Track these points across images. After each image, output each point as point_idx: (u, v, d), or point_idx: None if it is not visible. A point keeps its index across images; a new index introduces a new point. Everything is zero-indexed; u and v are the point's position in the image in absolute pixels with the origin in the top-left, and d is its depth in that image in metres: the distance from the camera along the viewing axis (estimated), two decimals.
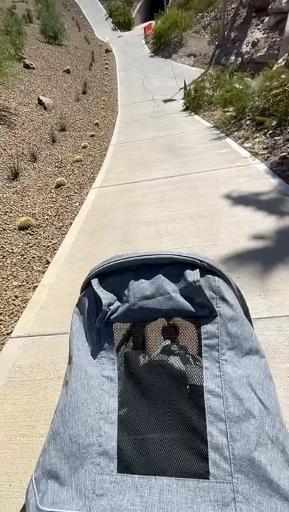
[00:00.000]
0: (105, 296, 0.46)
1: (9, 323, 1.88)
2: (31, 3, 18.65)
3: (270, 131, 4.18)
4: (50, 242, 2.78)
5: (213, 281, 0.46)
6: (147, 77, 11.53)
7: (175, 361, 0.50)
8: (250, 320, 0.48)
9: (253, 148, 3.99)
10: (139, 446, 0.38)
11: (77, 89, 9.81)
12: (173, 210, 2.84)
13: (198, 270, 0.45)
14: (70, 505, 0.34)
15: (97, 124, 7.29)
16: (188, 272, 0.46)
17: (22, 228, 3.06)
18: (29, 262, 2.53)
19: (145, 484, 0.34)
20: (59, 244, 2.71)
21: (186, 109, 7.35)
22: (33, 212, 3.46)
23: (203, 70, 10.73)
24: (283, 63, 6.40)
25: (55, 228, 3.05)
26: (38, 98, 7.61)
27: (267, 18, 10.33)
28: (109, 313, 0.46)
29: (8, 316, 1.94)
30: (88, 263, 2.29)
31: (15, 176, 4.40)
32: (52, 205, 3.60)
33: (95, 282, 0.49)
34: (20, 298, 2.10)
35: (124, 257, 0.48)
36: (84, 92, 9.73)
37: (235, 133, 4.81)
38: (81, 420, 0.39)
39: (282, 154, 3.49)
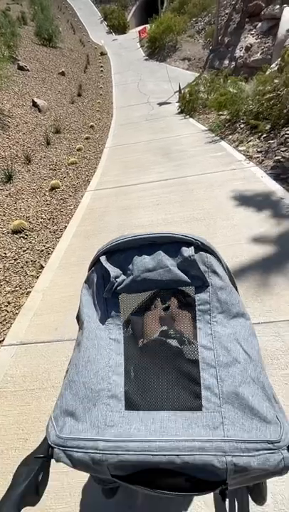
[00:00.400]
0: (113, 270, 0.53)
1: (1, 330, 1.82)
2: (26, 6, 18.61)
3: (264, 135, 4.22)
4: (44, 246, 2.74)
5: (206, 258, 0.54)
6: (142, 80, 11.58)
7: (172, 338, 0.58)
8: (237, 291, 0.57)
9: (248, 152, 4.02)
10: (142, 390, 0.46)
11: (72, 91, 9.79)
12: (168, 213, 2.83)
13: (192, 247, 0.53)
14: (85, 434, 0.41)
15: (92, 126, 7.27)
16: (184, 248, 0.53)
17: (15, 232, 3.01)
18: (22, 267, 2.48)
19: (148, 417, 0.42)
20: (53, 248, 2.67)
21: (180, 112, 7.39)
22: (27, 215, 3.41)
23: (197, 74, 10.83)
24: (276, 68, 6.50)
25: (50, 232, 3.00)
26: (33, 100, 7.56)
27: (260, 24, 10.52)
28: (116, 284, 0.53)
29: (0, 323, 1.89)
30: (83, 268, 2.25)
31: (8, 178, 4.34)
32: (46, 208, 3.56)
33: (103, 259, 0.55)
34: (12, 304, 2.05)
35: (128, 236, 0.55)
36: (79, 95, 9.71)
37: (230, 136, 4.85)
38: (93, 371, 0.46)
39: (277, 158, 3.52)
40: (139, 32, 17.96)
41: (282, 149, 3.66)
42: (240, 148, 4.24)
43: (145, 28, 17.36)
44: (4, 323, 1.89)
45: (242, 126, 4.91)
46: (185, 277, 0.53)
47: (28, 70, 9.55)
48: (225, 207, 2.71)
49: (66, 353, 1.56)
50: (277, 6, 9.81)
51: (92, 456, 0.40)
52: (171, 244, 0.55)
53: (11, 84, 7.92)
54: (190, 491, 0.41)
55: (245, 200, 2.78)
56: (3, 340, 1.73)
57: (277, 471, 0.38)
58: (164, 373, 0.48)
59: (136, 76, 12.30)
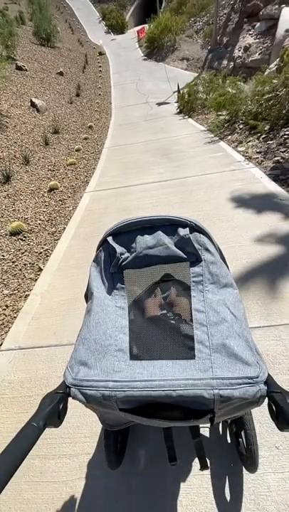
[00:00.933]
0: (118, 248, 0.62)
1: None
2: (24, 5, 18.55)
3: (264, 136, 4.21)
4: (42, 248, 2.71)
5: (199, 237, 0.62)
6: (141, 80, 11.55)
7: (171, 320, 0.65)
8: (227, 266, 0.65)
9: (247, 152, 4.00)
10: (144, 346, 0.53)
11: (70, 91, 9.75)
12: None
13: (188, 228, 0.62)
14: (97, 377, 0.50)
15: (90, 126, 7.24)
16: (180, 229, 0.62)
17: (14, 234, 2.98)
18: (21, 269, 2.46)
19: (150, 364, 0.50)
20: (52, 251, 2.64)
21: (179, 113, 7.38)
22: (25, 216, 3.38)
23: (196, 74, 10.82)
24: (275, 68, 6.50)
25: (48, 233, 2.98)
26: (31, 100, 7.52)
27: (258, 24, 10.51)
28: (121, 260, 0.62)
29: None
30: (82, 270, 2.23)
31: (7, 179, 4.31)
32: (45, 210, 3.53)
33: (110, 239, 0.65)
34: (11, 307, 2.02)
35: (131, 219, 0.64)
36: (77, 95, 9.68)
37: (229, 136, 4.83)
38: (102, 330, 0.55)
39: (276, 158, 3.51)
40: (138, 32, 17.93)
41: (281, 150, 3.65)
42: (239, 149, 4.22)
43: (144, 27, 17.34)
44: (2, 327, 1.86)
45: (241, 126, 4.90)
46: (181, 253, 0.61)
47: (26, 70, 9.50)
48: (225, 208, 2.69)
49: (65, 358, 1.53)
50: (276, 7, 9.81)
51: (103, 393, 0.48)
52: (169, 226, 0.64)
53: (9, 85, 7.88)
54: (184, 420, 0.49)
55: (245, 201, 2.76)
56: (0, 345, 1.71)
57: (255, 401, 0.46)
58: (163, 333, 0.56)
59: (134, 76, 12.28)
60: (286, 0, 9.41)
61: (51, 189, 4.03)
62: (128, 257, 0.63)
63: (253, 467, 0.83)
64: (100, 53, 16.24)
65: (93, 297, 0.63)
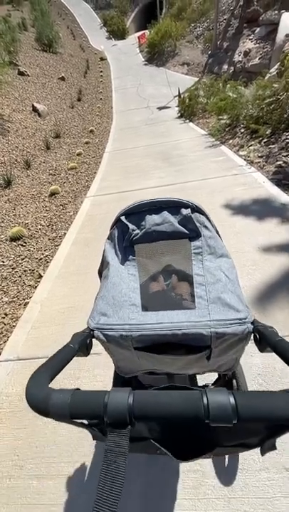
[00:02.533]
0: (131, 225, 0.73)
1: None
2: (26, 12, 18.81)
3: (265, 140, 4.20)
4: (42, 254, 2.68)
5: (199, 217, 0.73)
6: (142, 85, 11.64)
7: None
8: (221, 240, 0.77)
9: (249, 157, 3.98)
10: (153, 302, 0.64)
11: (72, 96, 9.82)
12: None
13: (189, 209, 0.72)
14: (115, 322, 0.60)
15: (92, 131, 7.27)
16: (183, 210, 0.72)
17: (14, 239, 2.95)
18: (20, 276, 2.42)
19: (158, 313, 0.60)
20: (52, 257, 2.61)
21: (180, 117, 7.40)
22: (26, 222, 3.36)
23: (196, 79, 10.89)
24: (275, 73, 6.51)
25: (48, 239, 2.95)
26: (33, 105, 7.57)
27: (258, 29, 10.60)
28: (132, 235, 0.72)
29: None
30: (82, 277, 2.20)
31: (8, 183, 4.30)
32: (45, 215, 3.51)
33: (123, 218, 0.74)
34: (10, 316, 1.99)
35: (141, 201, 0.75)
36: (79, 99, 9.74)
37: (230, 141, 4.83)
38: (118, 290, 0.65)
39: (278, 163, 3.48)
40: (139, 37, 18.13)
41: (283, 154, 3.63)
42: (240, 153, 4.21)
43: (144, 33, 17.54)
44: (1, 336, 1.82)
45: (242, 130, 4.89)
46: (184, 229, 0.72)
47: (28, 75, 9.59)
48: (227, 214, 2.66)
49: (65, 370, 1.48)
50: (275, 12, 9.89)
51: (121, 333, 0.58)
52: (174, 207, 0.74)
53: (11, 90, 7.94)
54: (186, 354, 0.59)
55: (248, 206, 2.73)
56: None
57: (244, 337, 0.57)
58: (168, 293, 0.69)
59: (135, 81, 12.37)
60: (286, 5, 9.49)
61: (52, 194, 4.02)
62: (138, 233, 0.74)
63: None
64: (102, 58, 16.41)
65: (109, 266, 0.74)
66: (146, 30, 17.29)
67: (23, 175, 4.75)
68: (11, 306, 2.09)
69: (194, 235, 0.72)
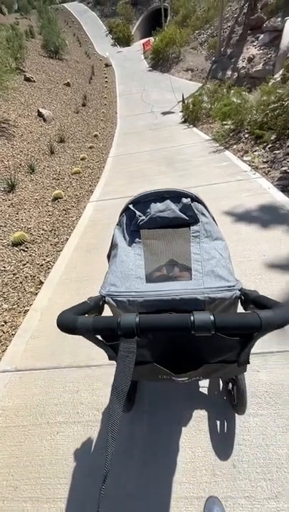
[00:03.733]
0: (138, 211, 0.83)
1: None
2: (34, 20, 19.24)
3: (270, 145, 4.15)
4: (44, 259, 2.65)
5: (198, 205, 0.84)
6: (146, 91, 11.73)
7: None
8: (217, 226, 0.87)
9: (253, 162, 3.94)
10: (156, 276, 0.75)
11: (77, 101, 9.93)
12: None
13: (189, 198, 0.84)
14: (123, 291, 0.71)
15: (96, 135, 7.31)
16: (184, 199, 0.83)
17: (16, 244, 2.93)
18: (21, 282, 2.39)
19: (160, 284, 0.71)
20: (53, 263, 2.58)
21: (184, 122, 7.41)
22: (28, 226, 3.35)
23: (200, 84, 10.94)
24: (279, 78, 6.50)
25: (51, 244, 2.92)
26: (38, 110, 7.66)
27: (262, 36, 10.65)
28: (139, 220, 0.82)
29: None
30: (83, 284, 2.16)
31: (11, 188, 4.31)
32: (48, 219, 3.49)
33: (131, 206, 0.85)
34: (9, 324, 1.95)
35: (147, 192, 0.86)
36: (84, 105, 9.84)
37: (234, 146, 4.79)
38: (125, 266, 0.75)
39: (283, 168, 3.43)
40: (143, 44, 18.36)
41: (288, 160, 3.58)
42: (245, 159, 4.17)
43: (149, 40, 17.76)
44: (0, 345, 1.78)
45: (246, 136, 4.86)
46: (184, 216, 0.83)
47: (34, 81, 9.73)
48: (232, 220, 2.61)
49: (63, 383, 1.44)
50: (279, 19, 9.94)
51: (128, 298, 0.67)
52: (176, 197, 0.86)
53: (17, 95, 8.05)
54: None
55: (253, 212, 2.68)
56: None
57: (232, 301, 0.67)
58: (170, 268, 0.78)
59: (140, 86, 12.48)
60: None
61: (55, 198, 4.01)
62: (144, 219, 0.84)
63: (241, 407, 1.05)
64: (106, 65, 16.63)
65: (118, 247, 0.83)
66: (151, 37, 17.52)
67: (27, 179, 4.76)
68: (10, 313, 2.05)
69: (193, 220, 0.84)
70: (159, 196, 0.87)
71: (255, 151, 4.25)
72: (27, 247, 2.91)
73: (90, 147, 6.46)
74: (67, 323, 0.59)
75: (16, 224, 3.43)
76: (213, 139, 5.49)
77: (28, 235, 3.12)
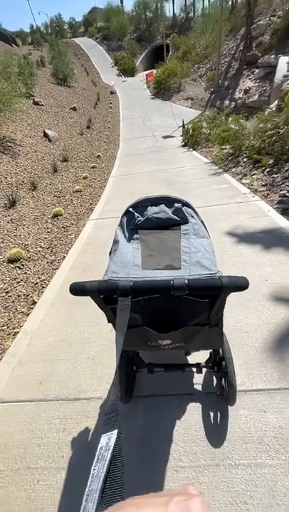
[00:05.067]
0: (136, 213, 0.98)
1: None
2: (45, 52, 20.78)
3: (268, 169, 4.26)
4: (39, 278, 2.57)
5: (188, 209, 1.00)
6: (148, 116, 12.35)
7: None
8: (205, 227, 1.03)
9: (252, 185, 4.01)
10: (151, 265, 0.87)
11: (82, 124, 10.40)
12: None
13: (180, 203, 1.00)
14: (123, 276, 0.82)
15: (99, 156, 7.54)
16: (176, 203, 0.99)
17: (11, 261, 2.87)
18: (14, 301, 2.29)
19: (154, 271, 0.84)
20: (48, 281, 2.49)
21: (184, 145, 7.69)
22: (26, 243, 3.30)
23: (199, 112, 11.56)
24: (274, 108, 6.87)
25: (47, 262, 2.86)
26: (44, 131, 7.97)
27: (257, 70, 11.45)
28: (137, 220, 0.96)
29: None
30: (77, 307, 2.06)
31: (12, 204, 4.33)
32: (46, 236, 3.46)
33: (131, 209, 1.00)
34: None
35: (144, 197, 1.01)
36: (88, 127, 10.29)
37: (233, 169, 4.92)
38: (125, 257, 0.89)
39: (282, 192, 3.47)
40: (146, 75, 19.69)
41: (287, 184, 3.64)
42: (244, 181, 4.24)
43: (152, 72, 19.07)
44: None
45: (245, 160, 5.00)
46: (176, 217, 0.96)
47: (42, 105, 10.26)
48: (232, 242, 2.58)
49: (49, 419, 1.30)
50: (273, 56, 10.76)
51: (129, 280, 0.76)
52: (169, 202, 1.00)
53: (25, 117, 8.43)
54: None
55: (253, 235, 2.65)
56: None
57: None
58: (162, 259, 0.87)
59: (142, 112, 13.16)
60: (282, 50, 10.33)
61: (55, 215, 4.01)
62: (142, 219, 0.97)
63: (232, 400, 1.13)
64: (111, 92, 17.69)
65: (119, 243, 0.94)
66: (154, 70, 18.82)
67: (29, 196, 4.81)
68: None
69: (183, 221, 0.98)
70: (155, 201, 1.02)
71: (254, 174, 4.34)
72: (23, 264, 2.84)
73: (93, 167, 6.63)
74: (79, 287, 0.76)
75: (14, 240, 3.39)
76: (212, 162, 5.65)
77: (25, 251, 3.06)
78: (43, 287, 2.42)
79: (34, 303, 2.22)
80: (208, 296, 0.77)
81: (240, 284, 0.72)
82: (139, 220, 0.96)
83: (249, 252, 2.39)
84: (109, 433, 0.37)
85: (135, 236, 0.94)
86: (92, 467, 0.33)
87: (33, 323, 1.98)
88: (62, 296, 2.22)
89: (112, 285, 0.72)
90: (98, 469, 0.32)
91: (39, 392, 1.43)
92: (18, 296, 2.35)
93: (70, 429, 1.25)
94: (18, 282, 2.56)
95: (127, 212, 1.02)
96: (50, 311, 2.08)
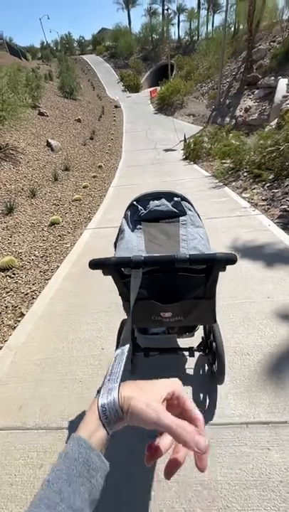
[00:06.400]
0: (140, 207, 1.14)
1: None
2: (54, 66, 21.56)
3: (268, 184, 4.25)
4: (29, 288, 2.45)
5: (186, 203, 1.16)
6: (150, 130, 12.63)
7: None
8: (200, 219, 1.18)
9: (252, 199, 3.98)
10: (154, 251, 0.99)
11: (85, 135, 10.58)
12: None
13: (179, 198, 1.16)
14: (125, 255, 0.94)
15: (100, 166, 7.59)
16: (175, 198, 1.16)
17: (3, 269, 2.76)
18: (0, 313, 2.16)
19: (155, 255, 0.89)
20: (39, 292, 2.37)
21: (185, 159, 7.78)
22: (20, 251, 3.20)
23: (201, 127, 11.84)
24: (274, 126, 7.01)
25: (40, 272, 2.75)
26: (47, 140, 8.07)
27: (257, 91, 11.85)
28: (140, 212, 1.12)
29: None
30: (68, 320, 1.93)
31: (9, 210, 4.27)
32: (41, 245, 3.36)
33: (135, 202, 1.16)
34: None
35: (147, 192, 1.18)
36: (91, 138, 10.46)
37: (233, 183, 4.92)
38: (130, 244, 1.01)
39: (283, 207, 3.43)
40: (150, 92, 20.35)
41: (288, 199, 3.61)
42: (244, 195, 4.22)
43: (156, 89, 19.73)
44: None
45: (245, 174, 5.02)
46: (175, 210, 1.13)
47: (47, 115, 10.47)
48: None
49: (26, 451, 1.15)
50: (272, 78, 11.17)
51: (141, 255, 0.86)
52: (169, 196, 1.16)
53: (29, 127, 8.56)
54: (177, 269, 0.87)
55: (254, 250, 2.57)
56: None
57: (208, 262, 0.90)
58: (163, 246, 1.03)
59: (145, 126, 13.48)
60: (282, 73, 10.74)
61: (52, 223, 3.94)
62: (144, 212, 1.10)
63: (221, 379, 1.23)
64: (116, 106, 18.22)
65: (124, 233, 1.05)
66: (158, 87, 19.50)
67: (27, 203, 4.76)
68: None
69: (182, 213, 1.12)
70: (156, 196, 1.16)
71: (254, 188, 4.33)
72: (14, 273, 2.72)
73: (94, 176, 6.65)
74: (98, 261, 0.87)
75: (8, 248, 3.29)
76: (212, 176, 5.67)
77: (18, 260, 2.96)
78: (33, 298, 2.30)
79: (22, 315, 2.10)
80: (204, 271, 0.90)
81: (230, 258, 0.84)
82: (142, 213, 1.12)
83: (251, 267, 2.30)
84: (123, 347, 0.41)
85: (139, 227, 1.10)
86: (110, 366, 0.36)
87: (18, 337, 1.84)
88: (52, 309, 2.10)
89: (127, 259, 0.84)
90: (116, 367, 0.36)
91: (17, 419, 1.29)
92: (6, 307, 2.23)
93: (48, 465, 1.10)
94: (8, 292, 2.44)
95: (131, 206, 1.17)
96: (39, 324, 1.95)
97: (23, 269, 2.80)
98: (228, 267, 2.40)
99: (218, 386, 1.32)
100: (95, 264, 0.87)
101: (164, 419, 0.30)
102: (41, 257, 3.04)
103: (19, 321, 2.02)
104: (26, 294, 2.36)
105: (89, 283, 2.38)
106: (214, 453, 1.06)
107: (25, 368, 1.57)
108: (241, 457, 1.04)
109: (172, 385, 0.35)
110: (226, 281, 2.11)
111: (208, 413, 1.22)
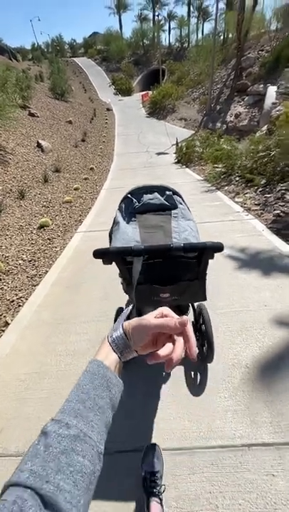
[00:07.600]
0: (134, 199, 1.24)
1: None
2: (44, 68, 21.35)
3: (260, 189, 4.27)
4: (16, 295, 2.30)
5: (177, 197, 1.28)
6: (142, 133, 12.64)
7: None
8: (190, 211, 1.29)
9: (245, 204, 3.98)
10: (149, 241, 1.08)
11: (76, 137, 10.45)
12: None
13: (171, 192, 1.28)
14: (121, 245, 1.08)
15: (92, 168, 7.48)
16: (167, 192, 1.27)
17: None
18: None
19: (151, 246, 1.02)
20: (26, 299, 2.23)
21: (177, 162, 7.79)
22: (7, 255, 3.04)
23: (192, 132, 11.96)
24: (264, 132, 7.14)
25: (27, 277, 2.60)
26: (37, 141, 7.89)
27: (247, 98, 12.10)
28: (134, 205, 1.22)
29: None
30: (56, 329, 1.81)
31: None
32: (29, 248, 3.21)
33: (129, 195, 1.26)
34: None
35: (141, 186, 1.27)
36: (83, 140, 10.34)
37: (226, 187, 4.93)
38: (126, 235, 1.10)
39: (276, 212, 3.44)
40: (142, 96, 20.47)
41: (280, 204, 3.62)
42: (236, 200, 4.22)
43: (147, 93, 19.87)
44: None
45: (237, 178, 5.04)
46: (167, 203, 1.24)
47: (37, 116, 10.28)
48: (228, 263, 2.44)
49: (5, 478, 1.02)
50: (262, 85, 11.45)
51: (141, 244, 0.99)
52: (162, 190, 1.28)
53: (19, 127, 8.35)
54: (174, 256, 0.99)
55: (249, 256, 2.53)
56: None
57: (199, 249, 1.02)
58: (157, 237, 1.11)
59: (137, 129, 13.48)
60: (270, 81, 11.02)
61: (41, 226, 3.79)
62: (138, 204, 1.22)
63: (210, 358, 1.34)
64: (108, 109, 18.18)
65: (119, 224, 1.16)
66: (150, 91, 19.64)
67: (15, 205, 4.58)
68: None
69: (173, 207, 1.22)
70: (150, 189, 1.24)
71: (247, 193, 4.34)
72: (0, 279, 2.57)
73: (85, 178, 6.53)
74: (102, 250, 0.96)
75: None
76: (205, 180, 5.68)
77: (4, 264, 2.80)
78: (20, 306, 2.16)
79: (7, 324, 1.95)
80: (196, 258, 1.02)
81: (218, 246, 0.96)
82: (136, 205, 1.21)
83: (246, 274, 2.25)
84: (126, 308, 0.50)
85: (133, 219, 1.18)
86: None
87: (2, 349, 1.70)
88: (39, 317, 1.97)
89: (129, 248, 0.94)
90: (120, 318, 0.45)
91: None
92: None
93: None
94: None
95: (125, 198, 1.25)
96: (25, 334, 1.81)
97: (10, 273, 2.65)
98: (224, 273, 2.16)
99: (218, 402, 1.24)
100: (99, 254, 0.96)
101: (153, 321, 0.39)
102: (29, 261, 2.90)
103: (3, 331, 1.87)
104: (12, 301, 2.21)
105: (79, 289, 2.26)
106: (216, 481, 0.97)
107: (9, 384, 1.44)
108: (244, 485, 0.96)
109: (160, 309, 0.42)
110: (224, 287, 2.05)
111: (207, 432, 1.13)
